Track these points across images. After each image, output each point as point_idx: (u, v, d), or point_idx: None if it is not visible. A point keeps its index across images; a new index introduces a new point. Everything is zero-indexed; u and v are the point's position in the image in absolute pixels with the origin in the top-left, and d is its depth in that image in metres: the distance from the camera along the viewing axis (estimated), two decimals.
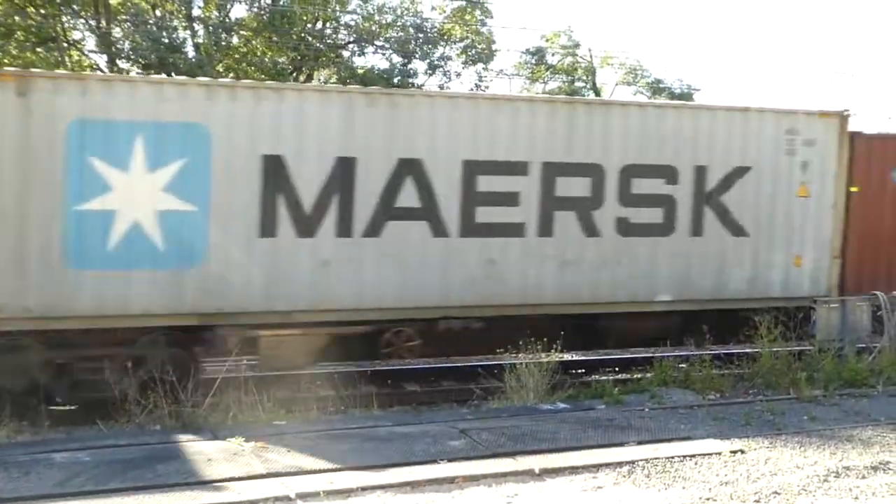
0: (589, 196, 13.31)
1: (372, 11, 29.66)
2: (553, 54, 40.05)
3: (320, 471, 8.24)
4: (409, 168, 12.46)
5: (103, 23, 26.39)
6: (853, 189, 14.77)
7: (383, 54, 29.74)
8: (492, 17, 32.35)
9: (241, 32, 28.30)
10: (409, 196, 12.50)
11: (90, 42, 28.13)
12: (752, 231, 14.23)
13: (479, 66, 31.87)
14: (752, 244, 14.26)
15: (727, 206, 14.06)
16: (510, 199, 12.95)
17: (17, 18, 25.36)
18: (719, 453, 9.14)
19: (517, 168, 12.94)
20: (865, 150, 14.92)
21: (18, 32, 25.62)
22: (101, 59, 27.26)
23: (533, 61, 39.16)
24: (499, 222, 12.93)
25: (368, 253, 12.35)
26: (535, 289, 13.17)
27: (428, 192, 12.57)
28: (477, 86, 31.66)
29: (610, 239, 13.46)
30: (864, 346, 14.29)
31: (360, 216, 12.29)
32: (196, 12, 28.02)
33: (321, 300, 12.25)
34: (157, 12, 27.40)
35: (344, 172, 12.18)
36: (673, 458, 8.95)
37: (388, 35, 29.34)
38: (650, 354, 14.53)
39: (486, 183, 12.81)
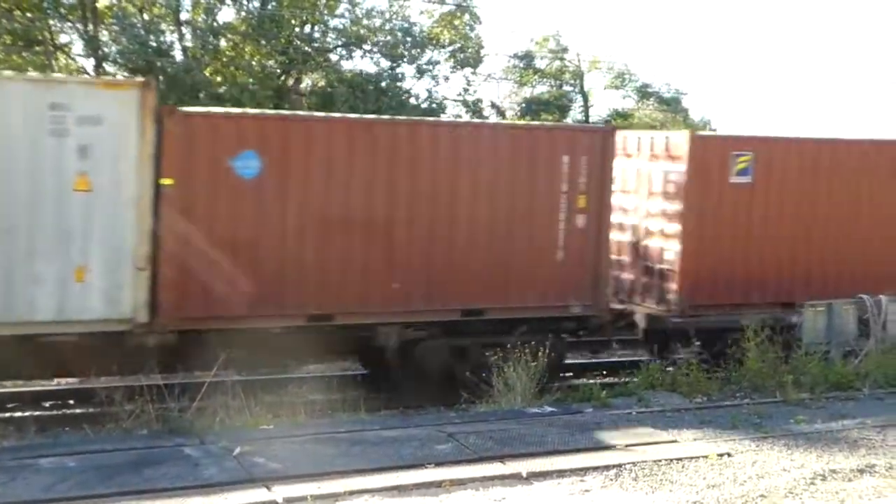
0: None
1: (360, 15, 29.67)
2: (541, 58, 40.13)
3: (307, 475, 8.23)
4: None
5: (90, 26, 26.31)
6: (165, 181, 11.57)
7: (371, 58, 29.75)
8: (480, 23, 32.30)
9: (230, 36, 28.23)
10: None
11: (77, 46, 28.06)
12: None
13: (468, 70, 31.88)
14: (3, 253, 10.98)
15: None
16: None
17: (3, 21, 25.26)
18: (706, 456, 9.18)
19: None
20: (186, 132, 11.64)
21: (5, 36, 25.53)
22: (89, 63, 27.19)
23: (521, 65, 39.21)
24: None
25: None
26: None
27: None
28: (465, 90, 31.70)
29: None
30: (850, 349, 14.33)
31: None
32: (184, 16, 27.95)
33: None
34: (145, 16, 27.31)
35: None
36: (660, 461, 8.98)
37: (376, 39, 29.32)
38: (638, 359, 14.54)
39: None
